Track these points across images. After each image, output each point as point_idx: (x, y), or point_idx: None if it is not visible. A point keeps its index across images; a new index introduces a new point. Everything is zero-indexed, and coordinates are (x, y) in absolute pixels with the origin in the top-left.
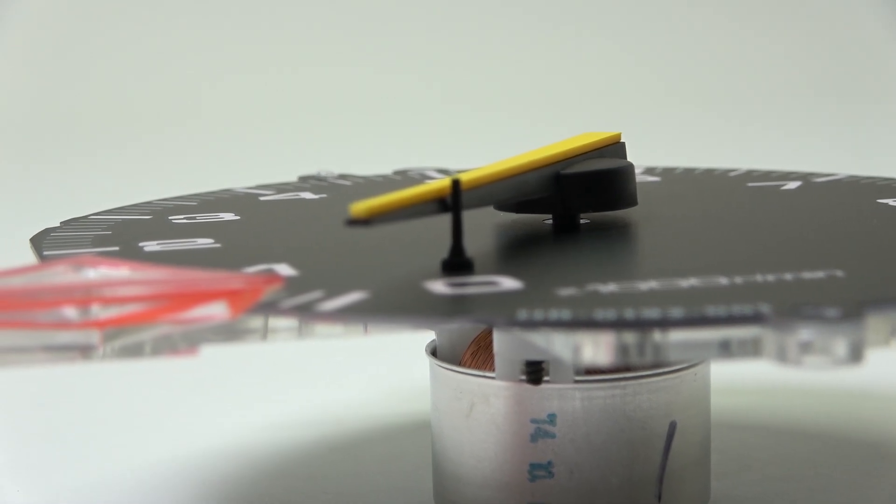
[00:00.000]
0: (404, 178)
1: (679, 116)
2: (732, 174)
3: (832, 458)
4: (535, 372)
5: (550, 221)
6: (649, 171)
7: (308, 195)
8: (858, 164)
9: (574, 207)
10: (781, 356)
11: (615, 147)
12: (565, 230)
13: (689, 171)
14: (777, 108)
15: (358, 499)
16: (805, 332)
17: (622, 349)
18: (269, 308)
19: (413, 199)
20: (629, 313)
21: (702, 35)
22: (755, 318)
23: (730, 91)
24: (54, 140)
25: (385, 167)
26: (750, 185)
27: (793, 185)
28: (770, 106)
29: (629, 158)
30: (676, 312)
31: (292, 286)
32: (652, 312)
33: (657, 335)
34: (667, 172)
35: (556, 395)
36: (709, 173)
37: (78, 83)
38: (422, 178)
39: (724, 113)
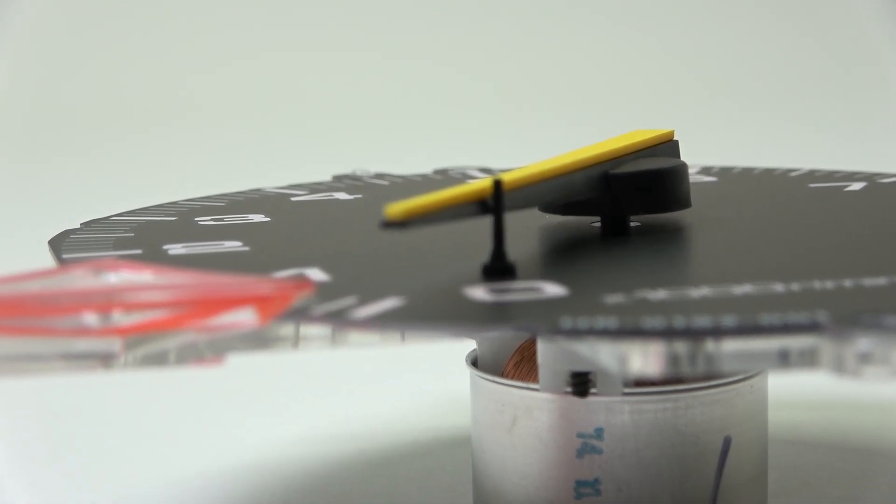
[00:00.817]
0: (445, 177)
1: (738, 113)
2: (793, 174)
3: None
4: (581, 384)
5: (598, 224)
6: (705, 170)
7: (342, 196)
8: None
9: (623, 209)
10: (839, 367)
11: (668, 145)
12: (614, 233)
13: (747, 171)
14: (844, 105)
15: None
16: (864, 342)
17: (672, 359)
18: (300, 315)
19: (452, 200)
20: (679, 321)
21: (763, 29)
22: (811, 327)
23: (794, 87)
24: (75, 137)
25: (425, 166)
26: (812, 185)
27: (857, 186)
28: (836, 103)
29: (683, 157)
30: (729, 321)
31: (325, 292)
32: (703, 321)
33: (710, 345)
34: (724, 172)
35: (604, 409)
36: (768, 173)
37: (101, 77)
38: (463, 177)
39: (787, 109)
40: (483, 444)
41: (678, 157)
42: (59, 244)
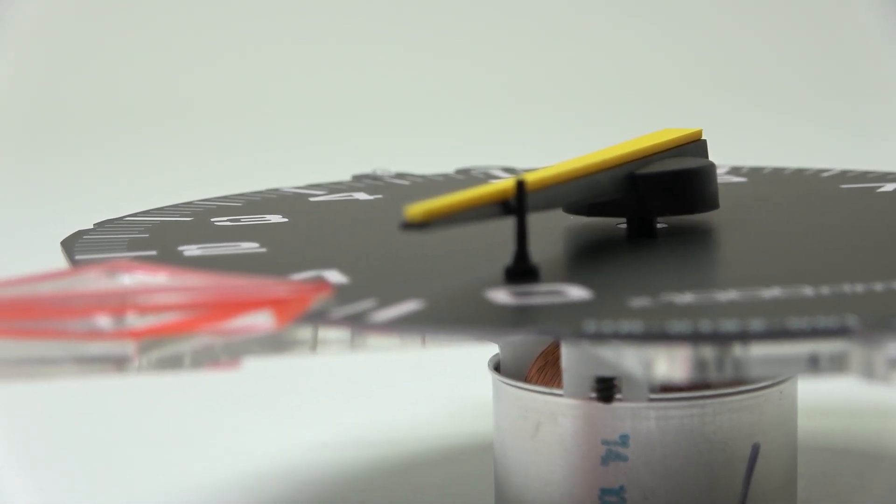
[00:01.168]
0: (467, 177)
1: (770, 112)
2: (825, 174)
3: None
4: (606, 389)
5: (624, 226)
6: (734, 170)
7: (362, 196)
8: None
9: (650, 210)
10: (868, 372)
11: (696, 145)
12: (640, 235)
13: (778, 172)
14: (878, 104)
15: None
16: (894, 348)
17: (699, 364)
18: (318, 318)
19: (474, 200)
20: (705, 326)
21: (797, 26)
22: (840, 332)
23: (827, 86)
24: (88, 136)
25: (447, 165)
26: (843, 186)
27: (890, 186)
28: (870, 102)
29: (711, 157)
30: (756, 325)
31: (343, 294)
32: (730, 325)
33: (737, 349)
34: (754, 172)
35: (630, 415)
36: (799, 173)
37: (114, 74)
38: (486, 177)
39: (820, 109)
40: (506, 450)
41: (706, 156)
42: (72, 245)
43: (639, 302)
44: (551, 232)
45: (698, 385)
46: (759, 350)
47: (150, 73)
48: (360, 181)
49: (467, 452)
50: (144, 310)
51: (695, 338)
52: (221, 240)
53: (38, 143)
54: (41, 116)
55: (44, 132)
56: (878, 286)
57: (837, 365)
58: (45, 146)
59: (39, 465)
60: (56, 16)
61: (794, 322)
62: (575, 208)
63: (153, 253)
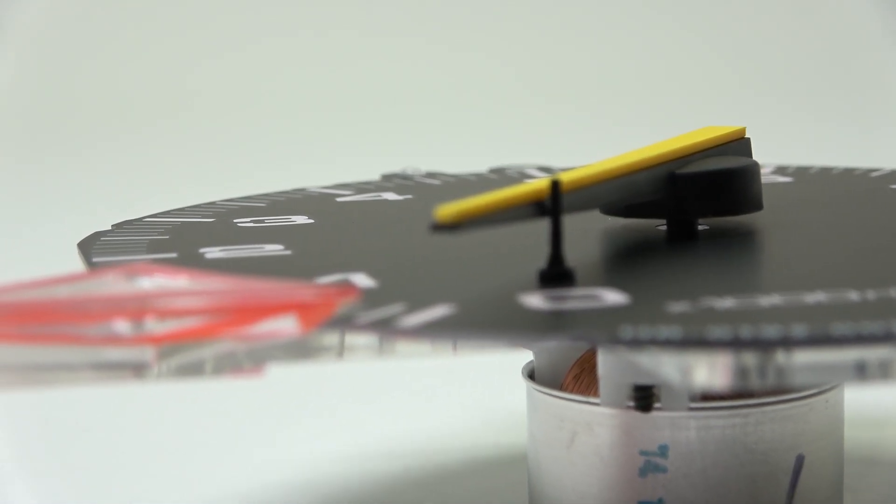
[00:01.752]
0: (501, 176)
1: (816, 108)
2: (875, 174)
3: None
4: (644, 398)
5: (664, 227)
6: (780, 170)
7: (391, 196)
8: None
9: (691, 212)
10: None
11: (739, 143)
12: (680, 237)
13: (825, 171)
14: None
15: None
16: None
17: (740, 372)
18: (345, 323)
19: (507, 201)
20: (746, 331)
21: (843, 22)
22: (885, 338)
23: (878, 82)
24: (106, 133)
25: (480, 164)
26: (893, 186)
27: None
28: None
29: (755, 156)
30: (799, 331)
31: (371, 299)
32: (772, 331)
33: (780, 356)
34: (800, 172)
35: (669, 424)
36: (848, 173)
37: (135, 69)
38: (521, 176)
39: (870, 105)
40: (540, 461)
41: (750, 155)
42: (90, 247)
43: (678, 307)
44: (587, 234)
45: (740, 394)
46: (802, 357)
47: (172, 68)
48: (389, 181)
49: (500, 464)
50: (164, 314)
51: (735, 344)
52: (244, 242)
53: (51, 141)
54: (53, 114)
55: (57, 129)
56: None
57: (885, 372)
58: (59, 144)
59: (54, 475)
60: (67, 10)
61: (839, 328)
62: (613, 209)
63: (173, 255)
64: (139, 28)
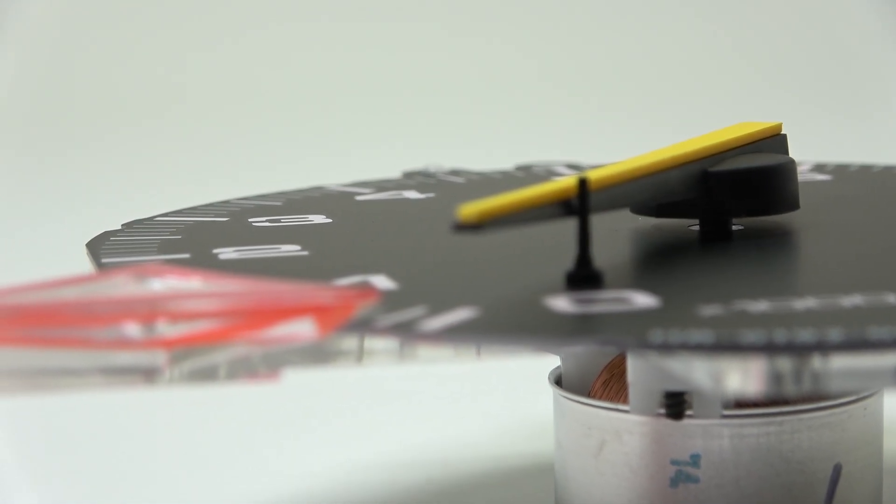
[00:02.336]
0: (527, 174)
1: (857, 103)
2: None
3: None
4: (675, 405)
5: (696, 228)
6: (818, 168)
7: (413, 194)
8: None
9: (724, 211)
10: None
11: (775, 140)
12: (714, 238)
13: (865, 169)
14: None
15: None
16: None
17: (775, 377)
18: (364, 327)
19: (532, 200)
20: (780, 335)
21: (882, 10)
22: None
23: None
24: (115, 128)
25: (506, 161)
26: None
27: None
28: None
29: (791, 153)
30: (835, 335)
31: (391, 301)
32: (806, 335)
33: (816, 361)
34: (839, 170)
35: (701, 433)
36: (888, 171)
37: (148, 61)
38: (548, 174)
39: None
40: (567, 471)
41: (786, 152)
42: (99, 247)
43: (710, 310)
44: (617, 234)
45: (775, 400)
46: (839, 362)
47: (185, 60)
48: (410, 178)
49: (526, 473)
50: (176, 317)
51: (769, 349)
52: (260, 242)
53: (59, 137)
54: (57, 108)
55: (64, 124)
56: None
57: None
58: (67, 139)
59: (63, 484)
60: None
61: (877, 332)
62: (643, 209)
63: (186, 256)
64: (149, 19)
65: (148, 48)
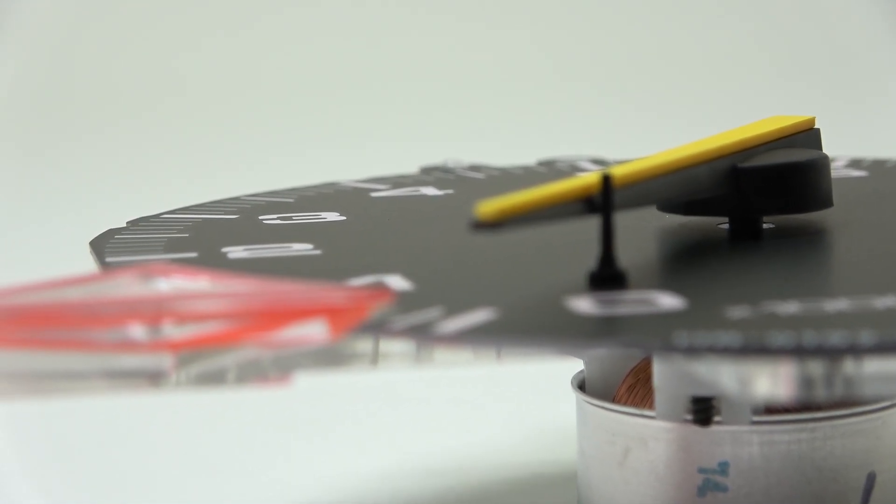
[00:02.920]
0: (550, 170)
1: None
2: None
3: None
4: (703, 411)
5: (726, 226)
6: (854, 163)
7: (431, 191)
8: None
9: (754, 209)
10: None
11: (807, 134)
12: (743, 236)
13: None
14: None
15: None
16: None
17: (805, 382)
18: (379, 329)
19: (553, 197)
20: (810, 338)
21: None
22: None
23: None
24: (120, 122)
25: (528, 156)
26: None
27: None
28: None
29: (825, 149)
30: (867, 337)
31: (406, 302)
32: (837, 337)
33: (848, 365)
34: (876, 166)
35: (729, 440)
36: None
37: (151, 52)
38: (572, 170)
39: None
40: (591, 479)
41: (819, 148)
42: (103, 245)
43: (737, 312)
44: (642, 232)
45: (807, 406)
46: (873, 366)
47: (190, 52)
48: (428, 174)
49: (548, 482)
50: (183, 318)
51: (799, 352)
52: (271, 240)
53: (61, 131)
54: (61, 101)
55: (66, 117)
56: None
57: None
58: (69, 134)
59: (66, 489)
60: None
61: None
62: (670, 206)
63: (193, 255)
64: (157, 9)
65: (155, 39)
